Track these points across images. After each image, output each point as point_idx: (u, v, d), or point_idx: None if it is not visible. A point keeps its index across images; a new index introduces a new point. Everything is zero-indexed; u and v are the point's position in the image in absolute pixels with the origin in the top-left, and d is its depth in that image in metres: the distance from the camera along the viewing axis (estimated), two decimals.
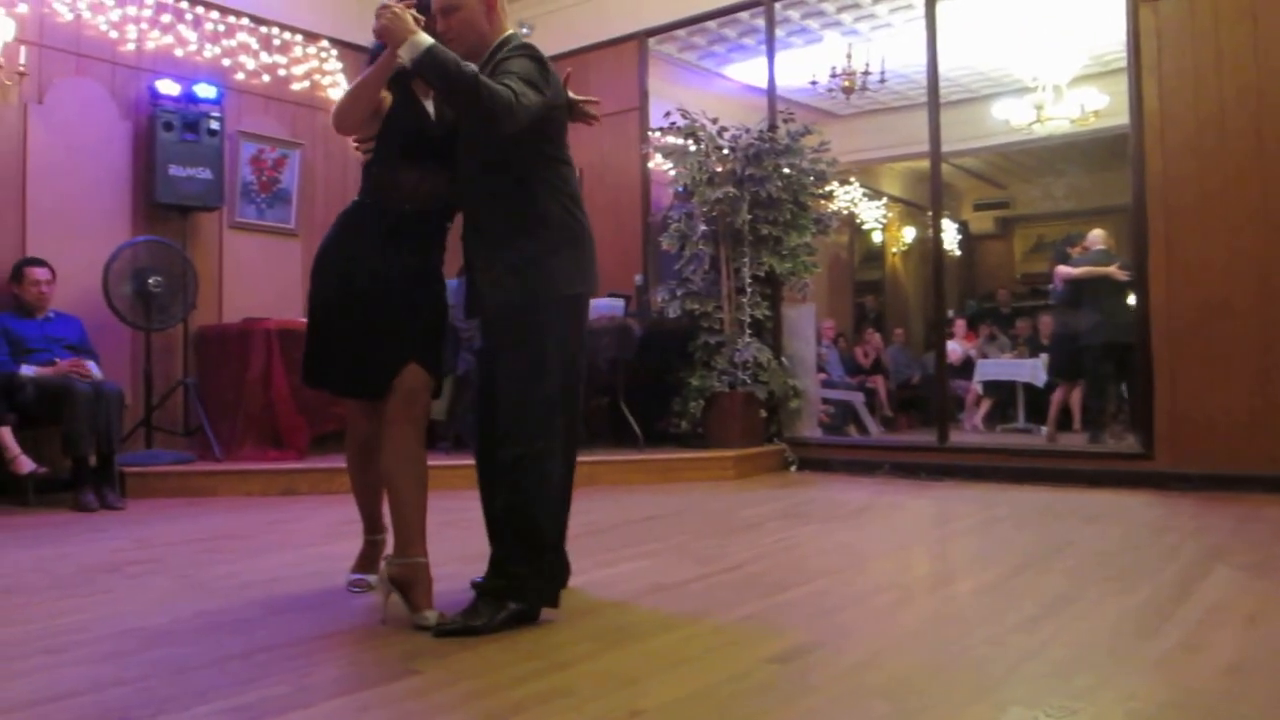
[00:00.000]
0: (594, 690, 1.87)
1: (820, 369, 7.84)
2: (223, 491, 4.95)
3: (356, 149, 2.73)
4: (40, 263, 4.93)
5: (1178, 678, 1.90)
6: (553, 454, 2.38)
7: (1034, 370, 8.41)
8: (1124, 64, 5.24)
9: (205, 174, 5.63)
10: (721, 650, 2.12)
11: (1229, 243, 4.77)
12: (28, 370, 4.59)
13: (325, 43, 6.54)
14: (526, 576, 2.31)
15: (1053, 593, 2.63)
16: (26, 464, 4.36)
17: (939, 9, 5.96)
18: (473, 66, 2.24)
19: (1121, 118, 5.34)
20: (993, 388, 8.63)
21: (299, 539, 3.75)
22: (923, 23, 6.00)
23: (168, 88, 5.57)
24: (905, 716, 1.70)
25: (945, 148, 6.31)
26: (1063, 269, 6.65)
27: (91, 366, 4.75)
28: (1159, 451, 4.90)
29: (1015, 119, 8.63)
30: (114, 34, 5.53)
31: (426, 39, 2.23)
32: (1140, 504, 4.40)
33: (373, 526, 2.82)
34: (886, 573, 3.09)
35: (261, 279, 6.25)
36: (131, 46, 5.61)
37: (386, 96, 2.52)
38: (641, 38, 6.85)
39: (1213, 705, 1.73)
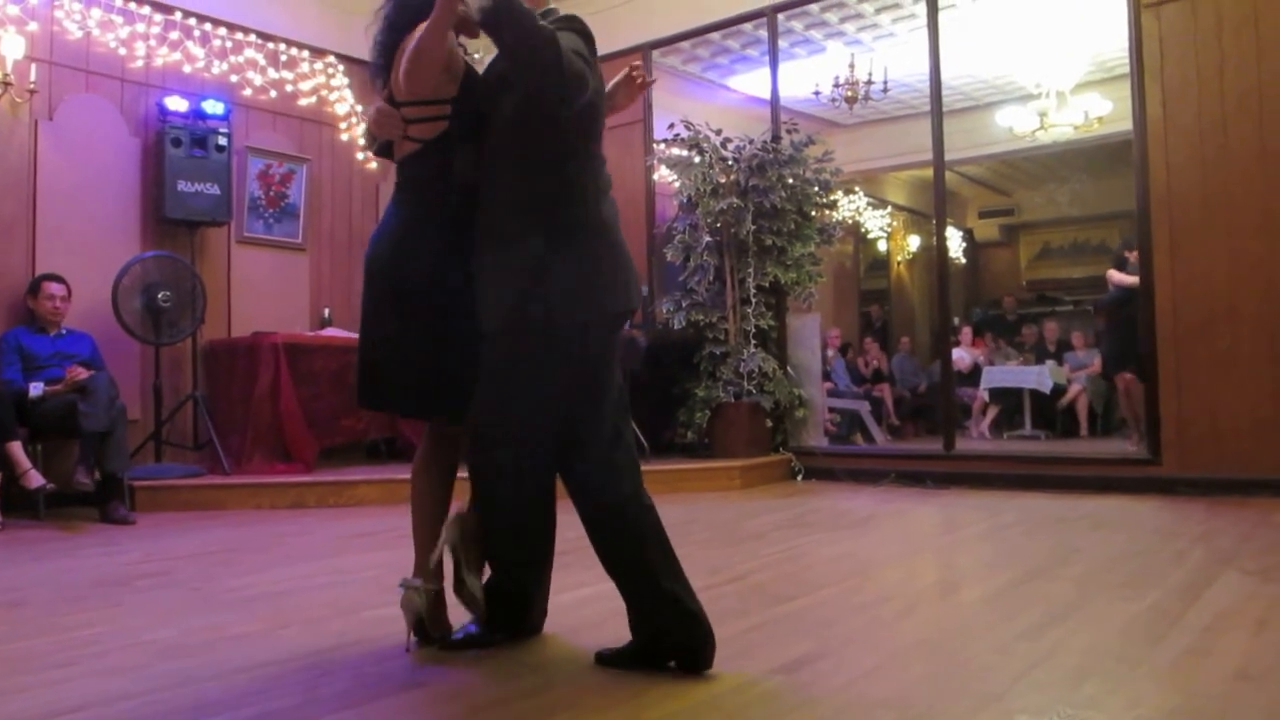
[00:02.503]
0: (599, 703, 1.87)
1: (826, 378, 7.85)
2: (232, 505, 4.98)
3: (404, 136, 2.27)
4: (57, 278, 4.98)
5: (1186, 684, 1.90)
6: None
7: (1040, 377, 8.40)
8: (1127, 70, 5.25)
9: (213, 189, 5.67)
10: (727, 661, 2.11)
11: (1234, 248, 4.77)
12: (35, 390, 4.61)
13: (332, 58, 6.59)
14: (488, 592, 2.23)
15: (1060, 600, 2.62)
16: (36, 479, 4.38)
17: (941, 18, 5.98)
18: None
19: (1125, 124, 5.35)
20: (999, 395, 8.62)
21: (307, 552, 3.76)
22: (925, 32, 6.02)
23: (176, 104, 5.62)
24: None
25: (949, 156, 6.32)
26: (1116, 275, 6.48)
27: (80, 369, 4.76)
28: (1166, 457, 4.89)
29: (1019, 126, 8.66)
30: (123, 51, 5.58)
31: None
32: (1148, 509, 4.39)
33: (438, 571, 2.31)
34: (892, 582, 3.09)
35: (269, 293, 6.29)
36: (140, 63, 5.66)
37: (456, 52, 2.19)
38: (645, 50, 6.89)
39: (1221, 711, 1.73)
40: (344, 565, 3.43)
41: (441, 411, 2.28)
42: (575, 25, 2.09)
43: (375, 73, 2.40)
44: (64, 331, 4.98)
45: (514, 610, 2.28)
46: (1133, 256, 6.81)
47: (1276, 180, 4.67)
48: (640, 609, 2.08)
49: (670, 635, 2.03)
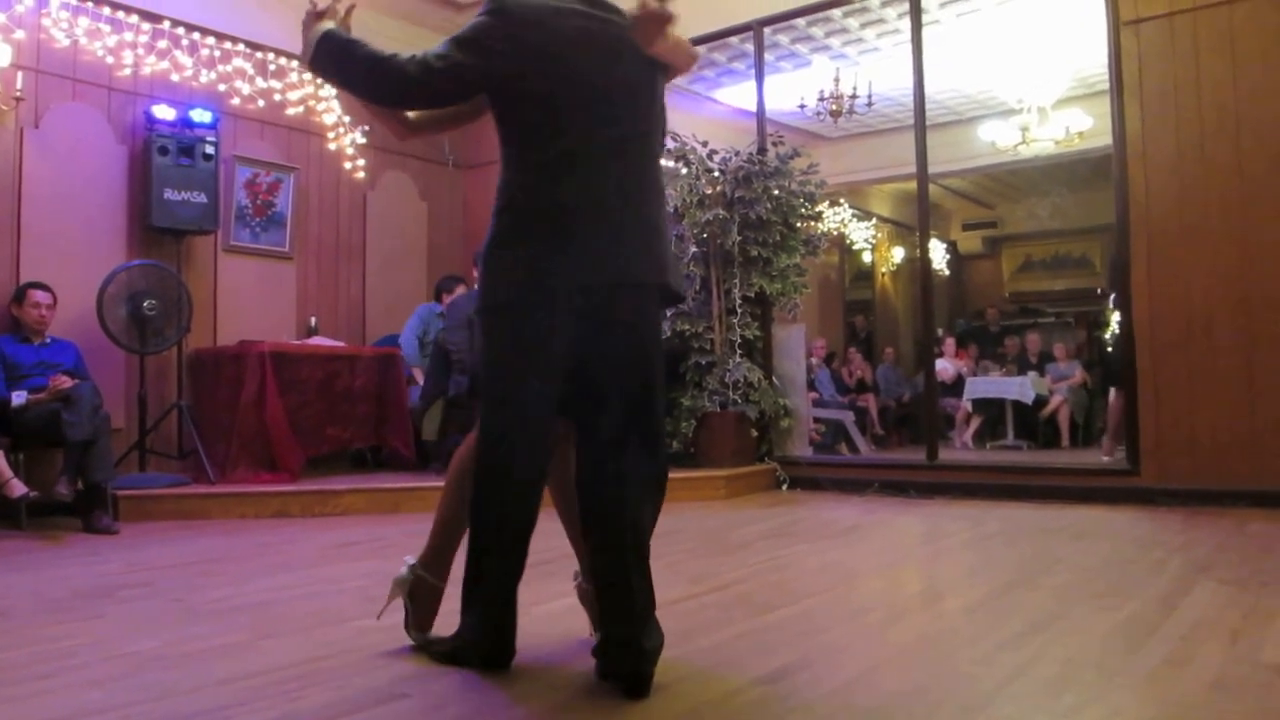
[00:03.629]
0: (584, 712, 1.88)
1: (812, 388, 7.89)
2: (216, 514, 4.96)
3: None
4: (43, 287, 4.95)
5: (1163, 693, 1.93)
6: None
7: (1022, 388, 8.48)
8: (1107, 86, 5.32)
9: (200, 198, 5.67)
10: (711, 670, 2.13)
11: (1210, 262, 4.84)
12: (18, 399, 4.59)
13: None
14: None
15: (1041, 610, 2.65)
16: (19, 488, 4.35)
17: (925, 33, 6.05)
18: (370, 49, 2.07)
19: (1106, 139, 5.42)
20: (982, 405, 8.69)
21: (291, 562, 3.75)
22: (909, 47, 6.09)
23: (163, 112, 5.62)
24: None
25: (933, 169, 6.38)
26: None
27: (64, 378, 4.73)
28: (1145, 467, 4.95)
29: (1001, 140, 8.75)
30: (110, 59, 5.57)
31: (321, 28, 2.09)
32: (1127, 520, 4.44)
33: None
34: (875, 591, 3.11)
35: (256, 302, 6.28)
36: (128, 71, 5.65)
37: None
38: None
39: None
40: (329, 575, 3.42)
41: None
42: (486, 7, 2.06)
43: None
44: (48, 340, 4.96)
45: (506, 635, 2.17)
46: None
47: (1252, 197, 4.75)
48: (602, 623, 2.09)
49: (613, 664, 2.02)
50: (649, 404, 2.12)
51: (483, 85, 2.08)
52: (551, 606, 2.71)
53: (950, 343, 9.71)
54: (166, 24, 5.80)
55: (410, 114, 2.33)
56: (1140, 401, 5.01)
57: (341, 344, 6.23)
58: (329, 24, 2.11)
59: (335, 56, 2.07)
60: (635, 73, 2.12)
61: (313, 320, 6.42)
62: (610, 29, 2.11)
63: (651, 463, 2.13)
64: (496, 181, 2.13)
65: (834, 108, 7.75)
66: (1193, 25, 4.95)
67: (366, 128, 6.83)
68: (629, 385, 2.10)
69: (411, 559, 2.37)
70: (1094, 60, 6.48)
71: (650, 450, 2.12)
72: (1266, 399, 4.65)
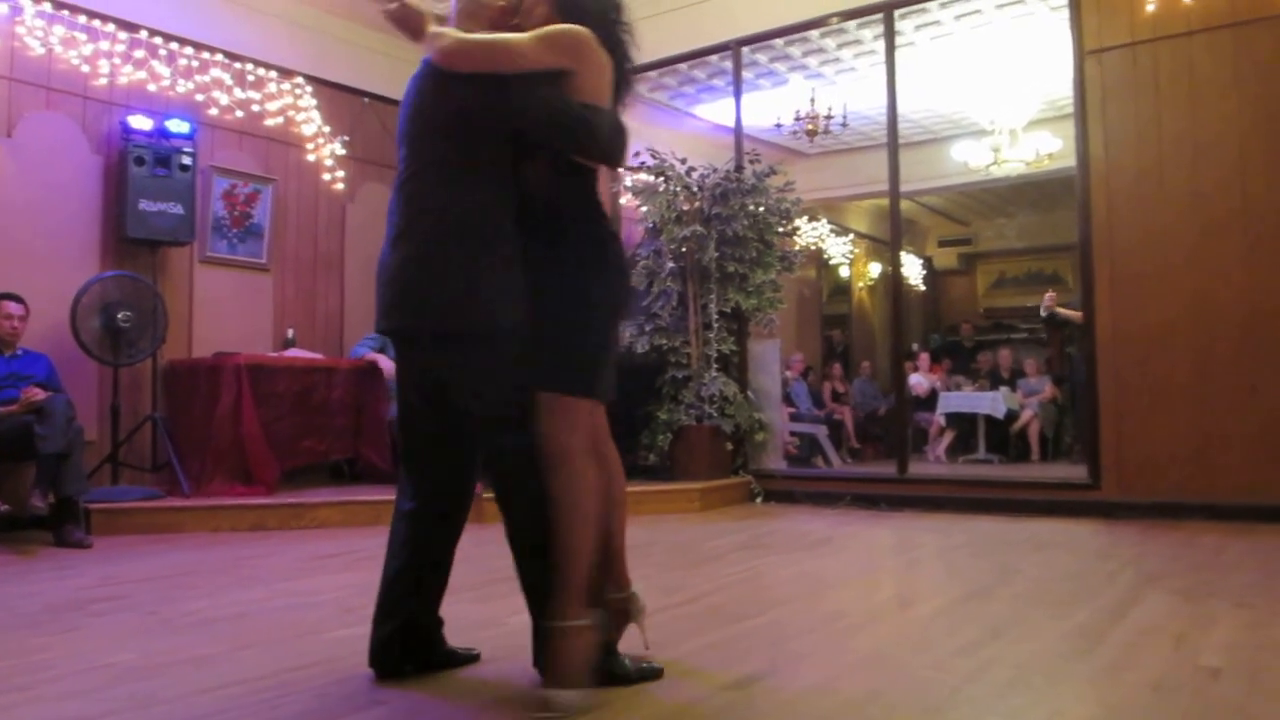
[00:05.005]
0: None
1: (788, 402, 7.99)
2: (190, 528, 4.96)
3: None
4: (14, 297, 4.92)
5: (1105, 696, 2.02)
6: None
7: (994, 403, 8.61)
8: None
9: (176, 209, 5.67)
10: (679, 678, 2.20)
11: (1168, 282, 4.99)
12: None
13: (300, 79, 6.63)
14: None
15: (998, 618, 2.74)
16: None
17: (899, 55, 6.19)
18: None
19: (1074, 160, 5.55)
20: (955, 419, 8.82)
21: (267, 575, 3.77)
22: (884, 68, 6.21)
23: (140, 122, 5.61)
24: None
25: (908, 187, 6.51)
26: None
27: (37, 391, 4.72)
28: (1105, 481, 5.08)
29: (974, 160, 8.91)
30: (86, 68, 5.58)
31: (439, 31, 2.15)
32: (1087, 532, 4.56)
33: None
34: (842, 601, 3.19)
35: (232, 314, 6.28)
36: (104, 81, 5.66)
37: None
38: None
39: None
40: (306, 588, 3.46)
41: None
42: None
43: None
44: (20, 352, 4.93)
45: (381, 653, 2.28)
46: None
47: (1208, 220, 4.90)
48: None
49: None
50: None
51: None
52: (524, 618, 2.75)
53: (924, 357, 9.84)
54: (144, 33, 5.82)
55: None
56: (1102, 417, 5.13)
57: (319, 356, 6.25)
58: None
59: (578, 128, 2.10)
60: (424, 102, 2.20)
61: (290, 332, 6.43)
62: (425, 69, 2.21)
63: None
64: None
65: (810, 128, 7.87)
66: (1153, 55, 5.10)
67: (346, 138, 6.87)
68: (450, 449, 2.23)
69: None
70: (1062, 85, 6.64)
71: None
72: (1219, 416, 4.80)
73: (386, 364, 6.07)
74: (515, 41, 2.07)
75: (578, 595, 2.01)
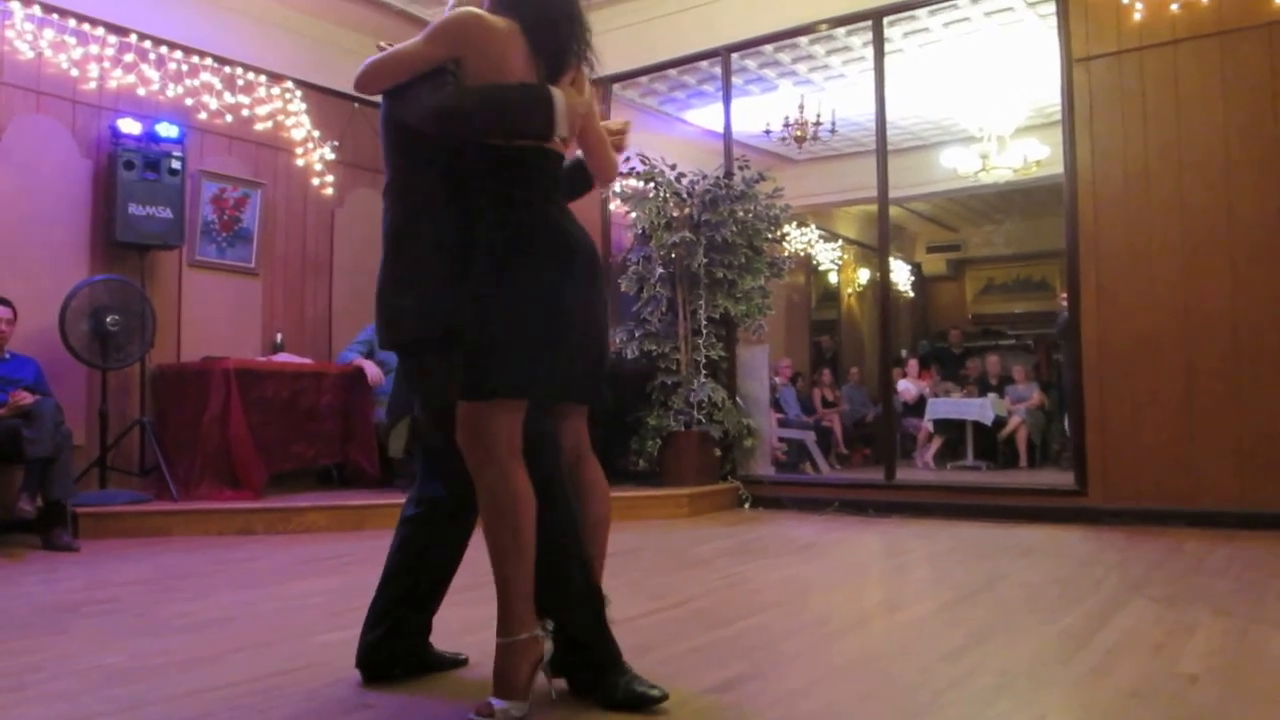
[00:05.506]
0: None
1: (777, 408, 8.02)
2: (178, 531, 4.95)
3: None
4: (3, 301, 4.89)
5: (1086, 701, 2.04)
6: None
7: (982, 409, 8.65)
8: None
9: (166, 213, 5.67)
10: (664, 681, 2.20)
11: (1154, 291, 5.04)
12: None
13: (289, 83, 6.64)
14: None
15: (983, 623, 2.77)
16: None
17: (888, 61, 6.23)
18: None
19: (1061, 167, 5.59)
20: (943, 426, 8.86)
21: (256, 578, 3.78)
22: (873, 74, 6.25)
23: (129, 126, 5.61)
24: None
25: (897, 193, 6.55)
26: None
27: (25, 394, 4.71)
28: (1092, 488, 5.12)
29: (962, 167, 8.96)
30: (75, 72, 5.57)
31: None
32: (1073, 539, 4.59)
33: None
34: (828, 606, 3.21)
35: (221, 318, 6.27)
36: (93, 85, 5.65)
37: None
38: (606, 84, 7.05)
39: None
40: (293, 591, 3.46)
41: None
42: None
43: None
44: (8, 355, 4.91)
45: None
46: None
47: (1193, 229, 4.95)
48: None
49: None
50: None
51: None
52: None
53: (913, 364, 9.89)
54: (133, 37, 5.81)
55: None
56: (1088, 424, 5.17)
57: (308, 361, 6.25)
58: None
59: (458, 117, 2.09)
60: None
61: (278, 337, 6.43)
62: None
63: None
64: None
65: (798, 134, 7.91)
66: (1140, 64, 5.15)
67: (336, 143, 6.87)
68: None
69: None
70: (1050, 92, 6.69)
71: None
72: (1204, 424, 4.84)
73: (372, 370, 6.07)
74: (407, 47, 2.07)
75: (516, 609, 1.95)
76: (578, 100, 2.07)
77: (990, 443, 8.78)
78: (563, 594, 2.05)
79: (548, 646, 1.97)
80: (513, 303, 1.99)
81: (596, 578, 2.16)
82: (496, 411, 1.96)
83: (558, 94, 2.01)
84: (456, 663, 2.38)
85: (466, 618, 2.64)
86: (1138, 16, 5.11)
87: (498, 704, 1.90)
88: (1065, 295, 5.88)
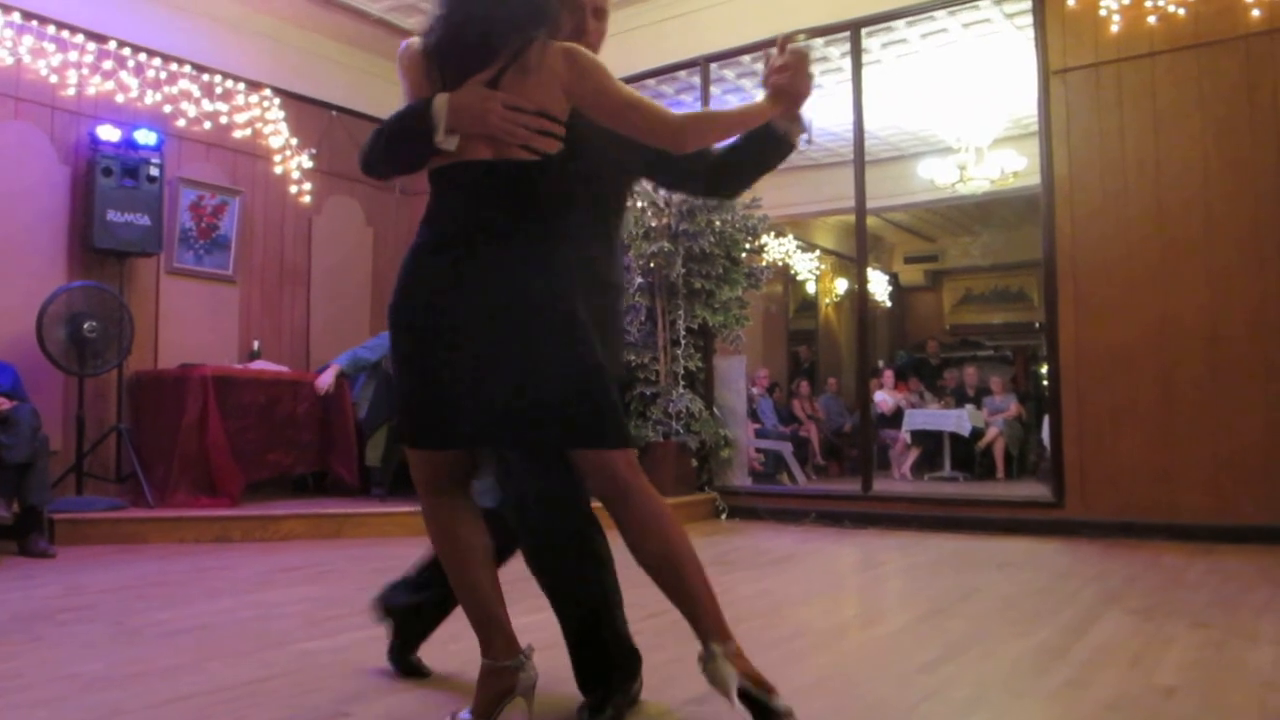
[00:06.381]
0: None
1: (755, 418, 8.05)
2: (155, 538, 4.91)
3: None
4: None
5: (1062, 712, 2.07)
6: None
7: (959, 420, 8.72)
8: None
9: (144, 220, 5.64)
10: (643, 693, 2.21)
11: (1132, 302, 5.09)
12: None
13: (268, 91, 6.62)
14: None
15: (959, 635, 2.79)
16: None
17: (866, 73, 6.28)
18: None
19: (1039, 179, 5.65)
20: (920, 437, 8.92)
21: (233, 586, 3.75)
22: (851, 85, 6.30)
23: (108, 133, 5.58)
24: None
25: (875, 203, 6.59)
26: None
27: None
28: (1069, 500, 5.16)
29: (940, 178, 9.05)
30: (54, 79, 5.55)
31: None
32: (1050, 551, 4.63)
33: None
34: (803, 618, 3.23)
35: (199, 325, 6.24)
36: (72, 91, 5.62)
37: None
38: None
39: None
40: (271, 599, 3.44)
41: None
42: None
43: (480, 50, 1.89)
44: None
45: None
46: None
47: (1171, 242, 5.01)
48: None
49: None
50: None
51: None
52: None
53: (889, 374, 9.96)
54: (113, 44, 5.79)
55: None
56: (1065, 436, 5.22)
57: (285, 369, 6.22)
58: None
59: None
60: None
61: (256, 344, 6.39)
62: None
63: None
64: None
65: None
66: (1117, 76, 5.23)
67: (314, 150, 6.85)
68: None
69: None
70: (1027, 104, 6.78)
71: None
72: (1181, 436, 4.89)
73: (322, 378, 6.00)
74: None
75: (479, 634, 1.94)
76: (473, 92, 1.83)
77: (967, 454, 8.85)
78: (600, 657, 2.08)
79: (525, 678, 1.92)
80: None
81: (624, 640, 2.13)
82: (411, 455, 1.98)
83: (440, 97, 1.83)
84: (424, 673, 2.39)
85: (446, 627, 2.64)
86: (1115, 29, 5.17)
87: (463, 715, 1.90)
88: None
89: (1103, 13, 5.20)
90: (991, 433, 8.85)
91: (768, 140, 2.12)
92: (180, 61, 6.16)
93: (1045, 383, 7.29)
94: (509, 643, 1.92)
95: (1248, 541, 4.59)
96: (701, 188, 2.37)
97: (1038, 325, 10.86)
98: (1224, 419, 4.80)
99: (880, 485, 6.38)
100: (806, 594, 3.71)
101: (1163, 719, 2.00)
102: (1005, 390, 9.41)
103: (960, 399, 9.37)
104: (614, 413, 1.89)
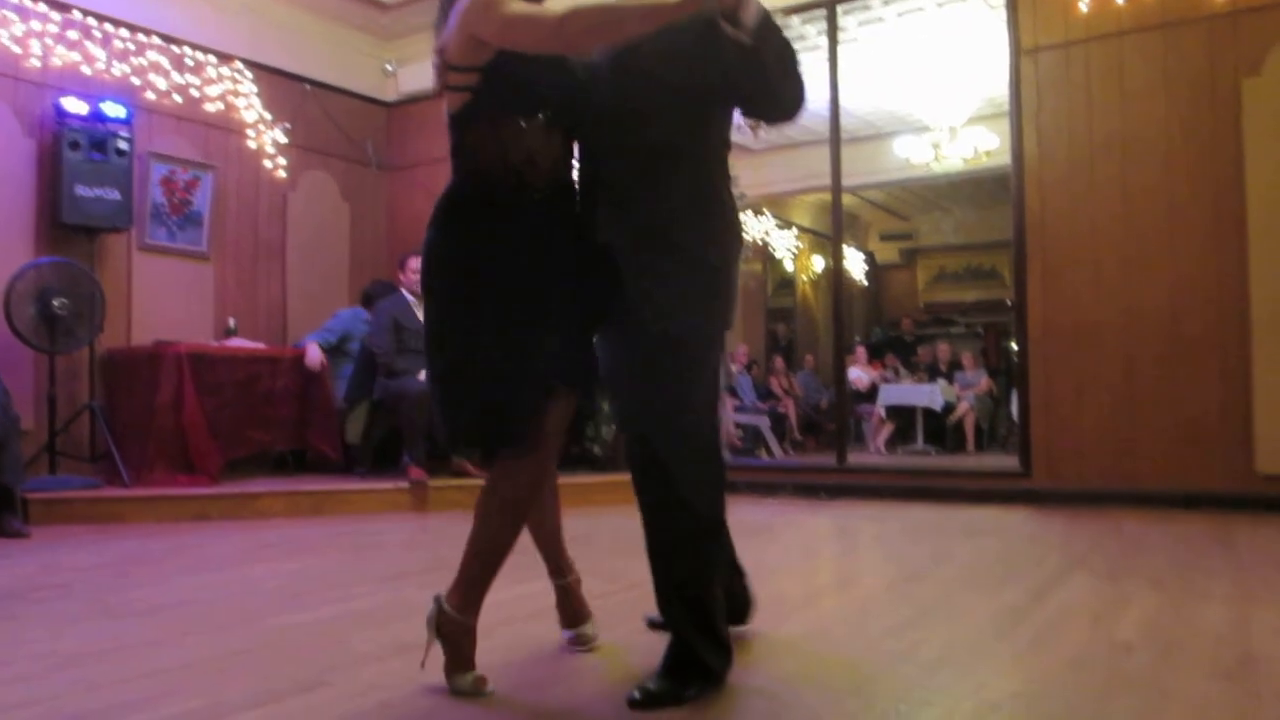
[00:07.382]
0: (503, 692, 2.01)
1: (733, 394, 8.10)
2: (131, 518, 4.89)
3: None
4: None
5: (1026, 671, 2.13)
6: None
7: (931, 395, 8.84)
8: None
9: (113, 194, 5.56)
10: (614, 660, 2.27)
11: (1097, 277, 5.18)
12: None
13: (239, 64, 6.54)
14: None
15: (928, 599, 2.86)
16: None
17: (842, 50, 6.29)
18: None
19: (1009, 158, 5.71)
20: (895, 412, 9.04)
21: (211, 563, 3.76)
22: (827, 63, 6.31)
23: (74, 105, 5.49)
24: (781, 710, 1.88)
25: (851, 181, 6.62)
26: None
27: None
28: (1036, 470, 5.27)
29: (914, 156, 9.10)
30: (17, 49, 5.45)
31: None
32: (1018, 519, 4.74)
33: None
34: (779, 586, 3.27)
35: (172, 302, 6.19)
36: (36, 62, 5.53)
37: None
38: None
39: (1053, 693, 1.95)
40: (248, 575, 3.46)
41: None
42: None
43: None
44: None
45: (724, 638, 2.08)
46: None
47: (1136, 216, 5.10)
48: None
49: None
50: None
51: None
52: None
53: (861, 351, 10.05)
54: (76, 14, 5.69)
55: None
56: (1033, 409, 5.32)
57: (261, 345, 6.18)
58: None
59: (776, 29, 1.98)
60: None
61: (231, 321, 6.35)
62: None
63: None
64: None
65: (753, 124, 7.96)
66: (1086, 55, 5.28)
67: (288, 125, 6.79)
68: None
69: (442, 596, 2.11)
70: (1000, 83, 6.82)
71: None
72: (1143, 407, 5.01)
73: (311, 353, 5.98)
74: None
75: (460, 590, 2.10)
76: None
77: (939, 428, 8.97)
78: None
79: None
80: None
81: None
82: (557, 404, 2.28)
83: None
84: None
85: (419, 600, 2.67)
86: (1084, 8, 5.22)
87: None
88: None
89: None
90: (962, 407, 8.98)
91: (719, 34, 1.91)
92: (148, 32, 6.07)
93: (1015, 358, 7.42)
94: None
95: (1203, 508, 4.71)
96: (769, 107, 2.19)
97: (1008, 302, 10.99)
98: (1182, 393, 4.91)
99: (855, 458, 6.47)
100: (783, 562, 3.77)
101: (1123, 674, 2.07)
102: (976, 366, 9.53)
103: (933, 374, 9.49)
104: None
